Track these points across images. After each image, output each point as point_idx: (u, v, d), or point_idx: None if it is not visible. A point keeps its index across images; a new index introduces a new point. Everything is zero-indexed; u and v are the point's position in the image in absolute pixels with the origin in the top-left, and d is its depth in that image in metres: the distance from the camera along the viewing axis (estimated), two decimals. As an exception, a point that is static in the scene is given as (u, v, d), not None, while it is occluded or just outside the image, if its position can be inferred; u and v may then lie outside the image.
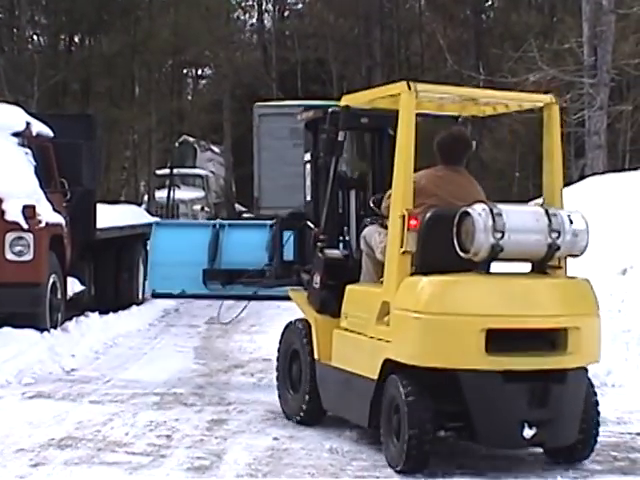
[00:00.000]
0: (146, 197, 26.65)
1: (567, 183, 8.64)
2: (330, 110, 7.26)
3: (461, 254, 6.08)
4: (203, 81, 39.23)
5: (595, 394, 6.53)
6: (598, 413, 6.47)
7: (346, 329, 6.95)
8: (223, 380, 9.38)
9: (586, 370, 6.39)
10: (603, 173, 16.60)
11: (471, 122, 7.51)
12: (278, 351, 7.90)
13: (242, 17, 39.43)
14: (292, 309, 8.15)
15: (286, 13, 39.91)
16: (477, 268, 6.13)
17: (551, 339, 6.16)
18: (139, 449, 6.77)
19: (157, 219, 15.74)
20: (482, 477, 6.16)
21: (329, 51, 32.53)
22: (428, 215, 6.31)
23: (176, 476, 6.15)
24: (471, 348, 5.93)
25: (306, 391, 7.37)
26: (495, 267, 6.34)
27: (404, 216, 6.25)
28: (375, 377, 6.39)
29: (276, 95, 31.89)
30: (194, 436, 7.13)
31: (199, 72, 37.37)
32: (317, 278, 7.26)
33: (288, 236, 8.12)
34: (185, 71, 33.78)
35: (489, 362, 5.95)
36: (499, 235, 5.99)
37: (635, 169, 16.39)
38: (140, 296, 15.05)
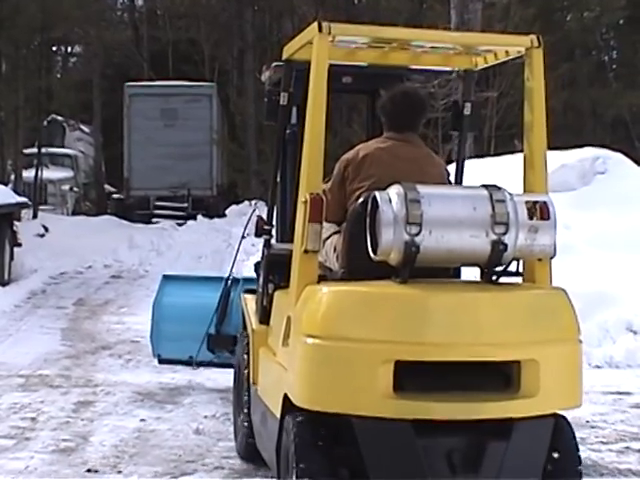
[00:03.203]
0: (13, 176, 26.09)
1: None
2: (273, 65, 5.72)
3: (372, 255, 4.53)
4: (73, 59, 38.53)
5: (576, 457, 4.65)
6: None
7: (269, 346, 5.47)
8: (90, 362, 9.32)
9: (560, 418, 4.61)
10: (469, 158, 16.98)
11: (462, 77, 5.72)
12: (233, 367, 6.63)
13: (113, -6, 38.85)
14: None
15: (158, -8, 39.46)
16: (397, 275, 4.53)
17: (493, 376, 4.49)
18: (2, 432, 6.71)
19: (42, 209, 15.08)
20: None
21: (201, 32, 32.34)
22: (357, 203, 4.83)
23: (40, 458, 6.11)
24: (371, 387, 4.28)
25: (244, 423, 5.93)
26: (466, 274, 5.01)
27: (306, 202, 4.66)
28: (278, 415, 4.79)
29: (147, 75, 31.56)
30: (60, 418, 7.10)
31: (69, 50, 36.69)
32: (260, 279, 5.76)
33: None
34: (54, 48, 33.07)
35: (395, 407, 4.28)
36: (415, 230, 4.38)
37: (499, 155, 16.83)
38: (6, 277, 14.78)
